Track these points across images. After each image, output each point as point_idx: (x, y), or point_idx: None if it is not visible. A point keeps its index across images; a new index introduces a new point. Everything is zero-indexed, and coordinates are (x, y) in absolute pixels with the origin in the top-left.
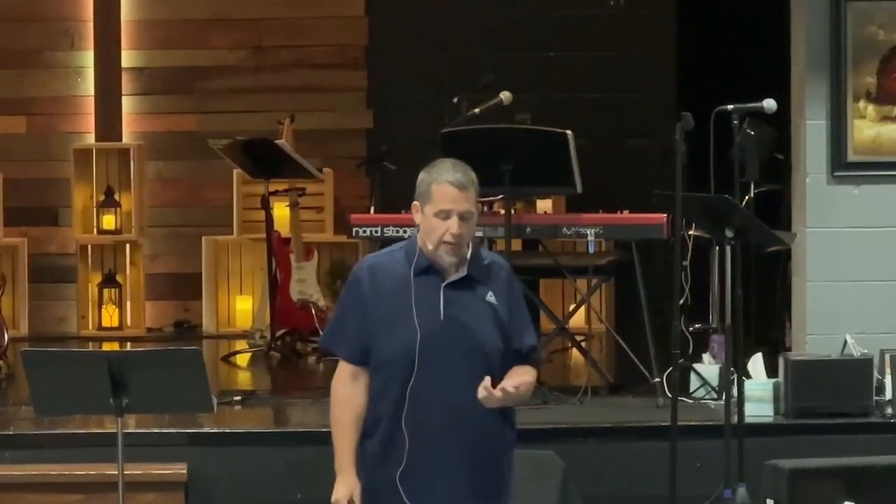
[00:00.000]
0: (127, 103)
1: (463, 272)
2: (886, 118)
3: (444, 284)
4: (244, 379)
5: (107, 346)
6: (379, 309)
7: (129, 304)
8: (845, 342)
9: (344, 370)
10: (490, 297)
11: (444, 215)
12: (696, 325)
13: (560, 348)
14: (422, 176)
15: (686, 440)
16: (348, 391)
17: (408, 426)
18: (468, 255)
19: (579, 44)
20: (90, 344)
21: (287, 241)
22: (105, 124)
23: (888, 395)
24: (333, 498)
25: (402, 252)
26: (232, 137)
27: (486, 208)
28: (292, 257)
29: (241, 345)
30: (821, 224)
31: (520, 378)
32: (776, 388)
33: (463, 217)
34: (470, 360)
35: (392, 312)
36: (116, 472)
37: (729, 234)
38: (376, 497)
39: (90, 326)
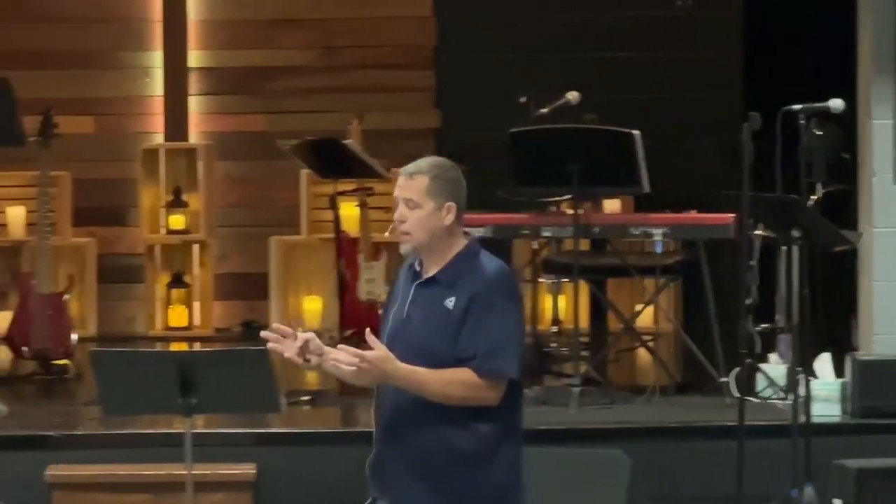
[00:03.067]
0: (195, 103)
1: (431, 273)
2: None
3: (414, 284)
4: (312, 379)
5: (175, 347)
6: (386, 306)
7: (197, 304)
8: None
9: None
10: (449, 302)
11: (395, 203)
12: (764, 325)
13: (627, 348)
14: None
15: (753, 440)
16: None
17: (375, 418)
18: (451, 258)
19: (647, 44)
20: (158, 344)
21: (355, 241)
22: (173, 124)
23: None
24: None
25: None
26: (300, 138)
27: (554, 208)
28: (360, 257)
29: None
30: (887, 224)
31: (408, 369)
32: (843, 387)
33: (407, 204)
34: (417, 362)
35: (389, 310)
36: (185, 473)
37: (796, 233)
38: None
39: (158, 326)
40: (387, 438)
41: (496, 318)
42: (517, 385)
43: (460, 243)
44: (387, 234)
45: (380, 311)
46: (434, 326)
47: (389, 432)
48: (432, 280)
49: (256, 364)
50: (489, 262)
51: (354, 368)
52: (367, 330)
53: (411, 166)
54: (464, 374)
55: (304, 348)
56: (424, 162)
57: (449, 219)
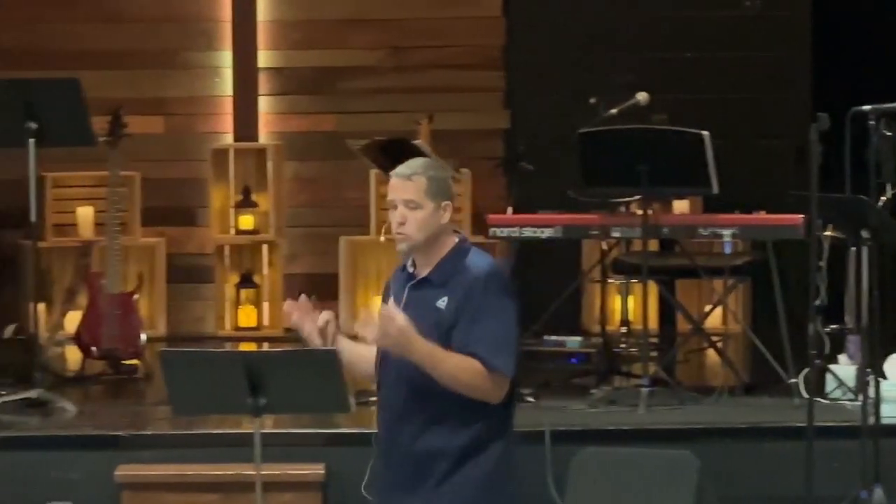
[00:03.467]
0: (264, 103)
1: (423, 274)
2: None
3: (408, 285)
4: None
5: (244, 347)
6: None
7: (266, 304)
8: None
9: None
10: (441, 302)
11: (391, 205)
12: (833, 326)
13: (696, 349)
14: None
15: (822, 441)
16: None
17: (378, 418)
18: (442, 257)
19: (715, 44)
20: (227, 344)
21: None
22: (242, 124)
23: None
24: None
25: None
26: (370, 138)
27: (623, 209)
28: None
29: None
30: None
31: (428, 343)
32: None
33: (407, 205)
34: (409, 363)
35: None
36: (254, 473)
37: (865, 234)
38: None
39: (227, 327)
40: (388, 438)
41: (493, 316)
42: (512, 383)
43: (451, 242)
44: (382, 238)
45: None
46: (427, 328)
47: (390, 431)
48: (424, 281)
49: (326, 364)
50: (480, 260)
51: (385, 328)
52: (391, 301)
53: (405, 168)
54: (474, 363)
55: (324, 328)
56: (417, 163)
57: (446, 217)
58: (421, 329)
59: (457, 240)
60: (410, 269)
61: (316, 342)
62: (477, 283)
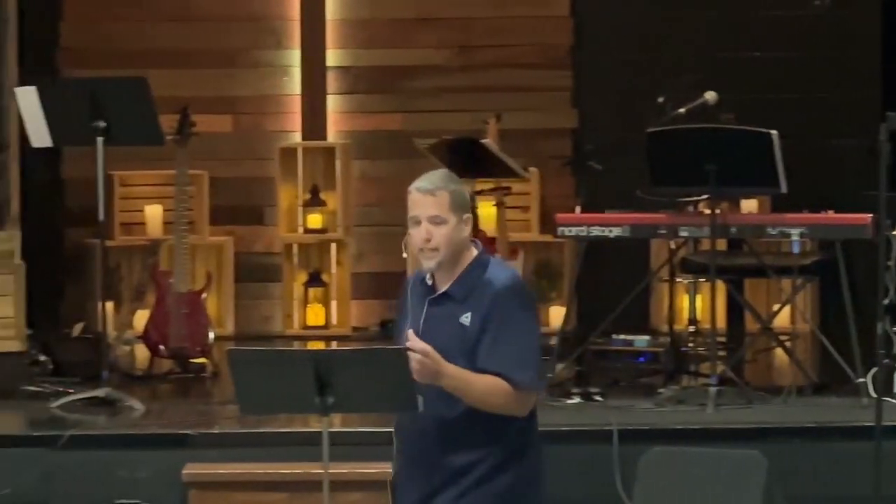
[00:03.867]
0: (332, 102)
1: (443, 289)
2: None
3: (427, 300)
4: None
5: (312, 346)
6: (398, 323)
7: (334, 303)
8: None
9: None
10: (465, 318)
11: (415, 221)
12: None
13: (764, 348)
14: None
15: (890, 440)
16: None
17: (397, 438)
18: (462, 269)
19: (784, 44)
20: (295, 343)
21: (492, 240)
22: (311, 123)
23: None
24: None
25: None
26: (438, 137)
27: (691, 208)
28: (498, 257)
29: None
30: None
31: (457, 369)
32: None
33: (433, 221)
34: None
35: (401, 327)
36: (321, 472)
37: None
38: None
39: (295, 325)
40: (413, 456)
41: (516, 331)
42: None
43: (470, 254)
44: (405, 254)
45: None
46: (452, 344)
47: (414, 449)
48: (445, 295)
49: (394, 363)
50: (500, 273)
51: (418, 366)
52: (410, 332)
53: (426, 182)
54: (501, 383)
55: None
56: (436, 177)
57: (468, 231)
58: (443, 344)
59: (475, 252)
60: (429, 282)
61: None
62: (499, 297)
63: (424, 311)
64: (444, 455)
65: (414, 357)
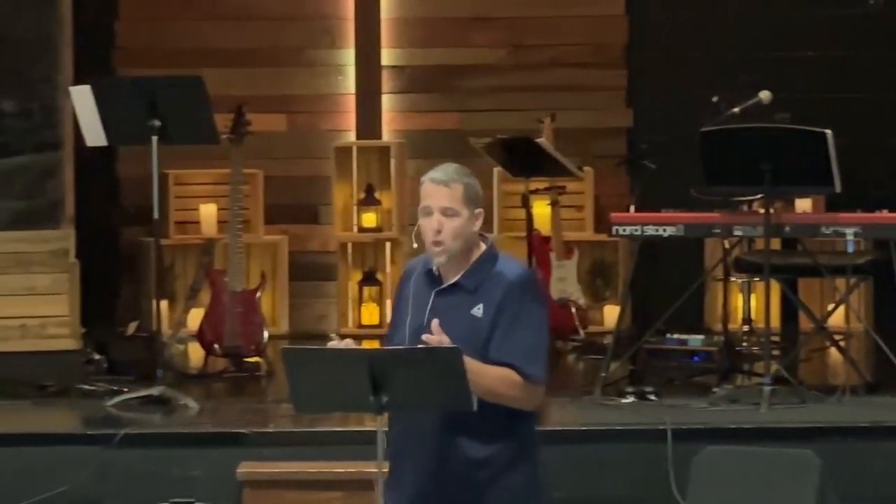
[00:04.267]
0: (387, 101)
1: (452, 280)
2: None
3: (434, 291)
4: None
5: (367, 345)
6: (397, 313)
7: (389, 302)
8: None
9: None
10: (477, 310)
11: (426, 212)
12: None
13: (818, 347)
14: None
15: None
16: None
17: (391, 433)
18: (471, 261)
19: (838, 42)
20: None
21: (547, 239)
22: (365, 122)
23: None
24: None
25: (428, 257)
26: (492, 136)
27: (745, 207)
28: (552, 256)
29: None
30: None
31: (470, 359)
32: None
33: (445, 213)
34: None
35: (400, 317)
36: (376, 471)
37: None
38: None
39: (350, 324)
40: (416, 451)
41: (529, 324)
42: None
43: (480, 248)
44: (415, 245)
45: (573, 310)
46: (463, 335)
47: (418, 444)
48: (455, 286)
49: (449, 362)
50: (511, 266)
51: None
52: (436, 321)
53: (441, 174)
54: (512, 374)
55: None
56: (451, 169)
57: (478, 225)
58: (452, 335)
59: (485, 246)
60: (435, 273)
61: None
62: (512, 289)
63: (430, 301)
64: (455, 450)
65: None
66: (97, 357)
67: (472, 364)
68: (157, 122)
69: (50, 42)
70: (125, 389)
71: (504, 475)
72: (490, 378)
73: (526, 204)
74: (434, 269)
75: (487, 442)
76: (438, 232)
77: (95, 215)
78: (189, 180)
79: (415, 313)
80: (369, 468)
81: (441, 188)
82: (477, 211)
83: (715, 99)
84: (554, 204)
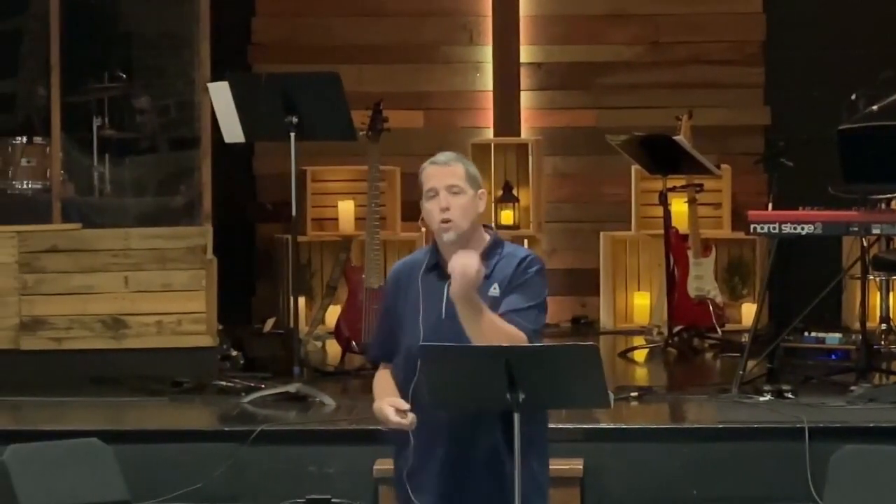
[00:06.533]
0: (525, 98)
1: None
2: None
3: (447, 283)
4: (641, 375)
5: None
6: (398, 310)
7: None
8: None
9: (379, 370)
10: (494, 290)
11: (432, 194)
12: None
13: None
14: None
15: None
16: (379, 375)
17: (424, 431)
18: (482, 250)
19: None
20: None
21: (685, 237)
22: (503, 119)
23: None
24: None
25: (425, 252)
26: (630, 133)
27: (884, 205)
28: (690, 253)
29: (638, 340)
30: None
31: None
32: None
33: (450, 190)
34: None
35: (406, 313)
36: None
37: None
38: (397, 490)
39: None
40: (444, 441)
41: (531, 290)
42: None
43: (486, 237)
44: (423, 228)
45: (710, 308)
46: None
47: (447, 434)
48: None
49: (585, 359)
50: (518, 249)
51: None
52: (456, 256)
53: (441, 156)
54: (510, 327)
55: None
56: (449, 153)
57: (482, 206)
58: None
59: (489, 236)
60: (443, 266)
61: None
62: (522, 264)
63: (445, 293)
64: (477, 439)
65: (459, 262)
66: (234, 354)
67: (480, 302)
68: (294, 119)
69: (187, 39)
70: (261, 386)
71: (525, 462)
72: (488, 319)
73: (664, 201)
74: (440, 261)
75: (507, 430)
76: (446, 209)
77: (233, 212)
78: (326, 177)
79: (428, 309)
80: None
81: (442, 168)
82: (480, 191)
83: (853, 96)
84: (691, 201)
